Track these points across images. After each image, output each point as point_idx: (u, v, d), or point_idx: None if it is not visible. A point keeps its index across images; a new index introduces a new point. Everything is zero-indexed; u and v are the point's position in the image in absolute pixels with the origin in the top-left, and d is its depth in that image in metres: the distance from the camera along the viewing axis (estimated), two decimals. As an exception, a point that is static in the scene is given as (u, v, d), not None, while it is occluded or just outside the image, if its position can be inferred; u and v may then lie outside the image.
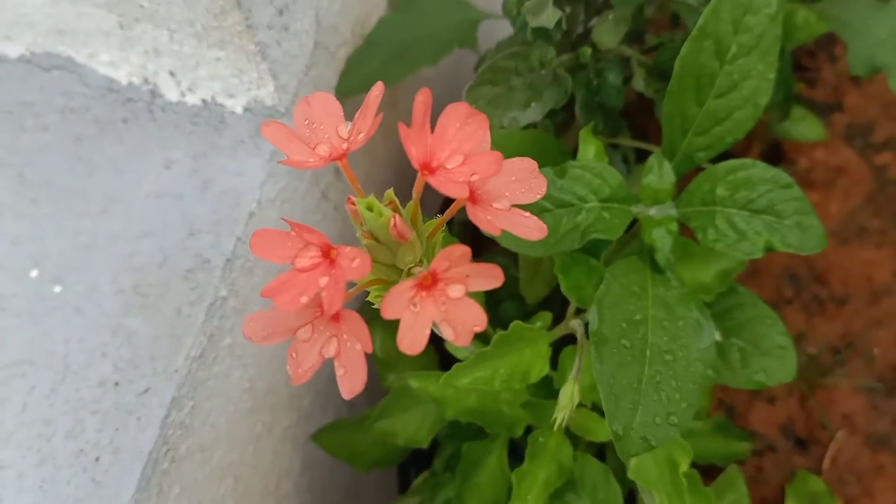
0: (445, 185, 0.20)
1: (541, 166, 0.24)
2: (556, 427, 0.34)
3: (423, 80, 0.53)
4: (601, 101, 0.38)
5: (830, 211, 0.60)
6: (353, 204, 0.21)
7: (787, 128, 0.56)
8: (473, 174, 0.20)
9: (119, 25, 0.38)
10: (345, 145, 0.21)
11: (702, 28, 0.33)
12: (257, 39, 0.36)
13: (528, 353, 0.36)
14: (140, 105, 0.40)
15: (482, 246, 0.49)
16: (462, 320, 0.20)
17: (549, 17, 0.33)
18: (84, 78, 0.41)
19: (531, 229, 0.20)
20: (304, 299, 0.19)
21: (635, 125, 0.49)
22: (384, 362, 0.49)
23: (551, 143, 0.37)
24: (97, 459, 0.33)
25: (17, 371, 0.35)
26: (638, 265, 0.34)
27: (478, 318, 0.19)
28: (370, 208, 0.20)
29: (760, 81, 0.35)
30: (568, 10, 0.34)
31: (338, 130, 0.21)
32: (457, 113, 0.20)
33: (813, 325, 0.57)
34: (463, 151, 0.20)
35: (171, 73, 0.40)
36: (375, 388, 0.51)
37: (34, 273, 0.37)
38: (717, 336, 0.39)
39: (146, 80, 0.40)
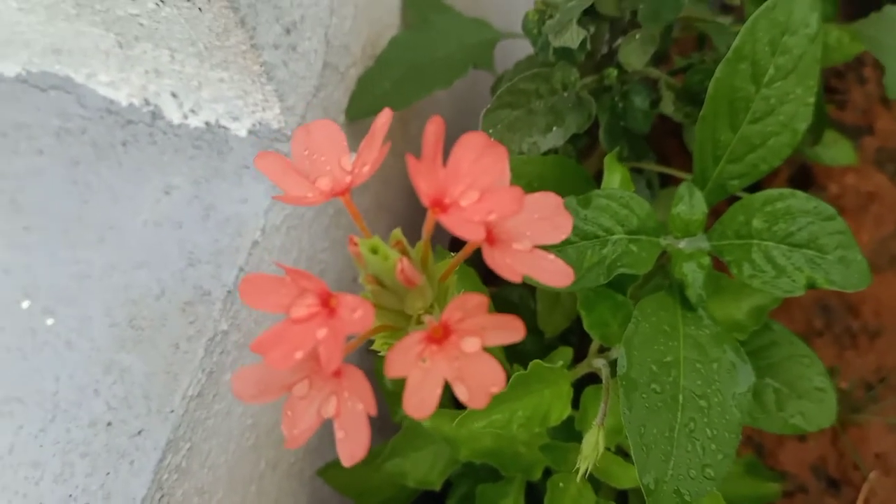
0: (459, 226, 0.17)
1: (563, 195, 0.22)
2: (579, 478, 0.31)
3: (436, 100, 0.51)
4: (626, 126, 0.35)
5: (862, 239, 0.58)
6: (356, 245, 0.18)
7: (818, 152, 0.54)
8: (491, 213, 0.18)
9: (118, 45, 0.36)
10: (348, 178, 0.19)
11: (737, 49, 0.31)
12: (262, 59, 0.34)
13: (548, 394, 0.33)
14: (140, 127, 0.38)
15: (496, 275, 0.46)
16: (478, 379, 0.17)
17: (574, 36, 0.30)
18: (82, 99, 0.39)
19: (556, 274, 0.18)
20: (298, 355, 0.17)
21: (657, 148, 0.47)
22: (395, 395, 0.47)
23: (574, 169, 0.35)
24: (85, 508, 0.31)
25: (5, 409, 0.33)
26: (668, 302, 0.32)
27: (496, 378, 0.17)
28: (375, 251, 0.18)
29: (799, 106, 0.32)
30: (592, 29, 0.32)
31: (340, 162, 0.19)
32: (473, 143, 0.18)
33: (845, 360, 0.54)
34: (479, 187, 0.18)
35: (173, 95, 0.38)
36: (387, 423, 0.49)
37: (25, 304, 0.35)
38: (776, 384, 0.36)
39: (147, 102, 0.38)
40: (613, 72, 0.34)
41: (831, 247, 0.31)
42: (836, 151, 0.54)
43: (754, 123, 0.33)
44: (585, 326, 0.33)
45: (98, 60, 0.38)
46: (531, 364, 0.33)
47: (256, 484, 0.43)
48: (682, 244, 0.32)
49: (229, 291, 0.35)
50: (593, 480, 0.38)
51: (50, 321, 0.35)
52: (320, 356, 0.17)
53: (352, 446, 0.18)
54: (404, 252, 0.19)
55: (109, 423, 0.32)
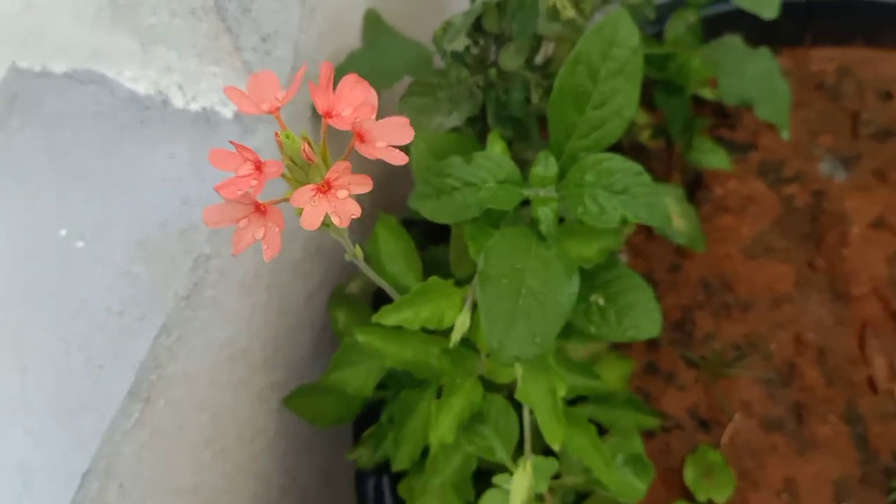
0: (339, 124, 0.30)
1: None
2: (452, 342, 0.43)
3: (382, 98, 0.64)
4: (509, 113, 0.48)
5: (742, 232, 0.70)
6: (279, 137, 0.31)
7: (698, 157, 0.66)
8: (358, 118, 0.30)
9: (141, 49, 0.49)
10: (278, 103, 0.32)
11: (576, 56, 0.44)
12: (244, 59, 0.47)
13: (444, 302, 0.46)
14: (154, 112, 0.52)
15: (432, 240, 0.59)
16: (344, 212, 0.30)
17: (460, 43, 0.43)
18: (112, 91, 0.53)
19: (396, 157, 0.30)
20: (239, 192, 0.29)
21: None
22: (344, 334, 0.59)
23: (470, 142, 0.48)
24: (101, 367, 0.43)
25: (47, 303, 0.46)
26: (526, 232, 0.44)
27: (355, 210, 0.30)
28: (288, 137, 0.31)
29: (626, 99, 0.45)
30: (481, 41, 0.45)
31: (276, 94, 0.32)
32: (350, 79, 0.31)
33: (721, 327, 0.66)
34: (352, 105, 0.31)
35: (180, 87, 0.51)
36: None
37: (63, 232, 0.48)
38: (601, 301, 0.48)
39: (160, 92, 0.51)
40: (493, 72, 0.46)
41: (640, 194, 0.43)
42: (713, 158, 0.67)
43: (595, 110, 0.45)
44: (471, 254, 0.46)
45: (125, 61, 0.51)
46: (430, 279, 0.46)
47: (232, 392, 0.55)
48: (539, 193, 0.45)
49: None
50: (484, 381, 0.50)
51: (80, 244, 0.47)
52: (252, 195, 0.29)
53: (270, 249, 0.30)
54: (308, 142, 0.31)
55: (121, 312, 0.45)
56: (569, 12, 0.43)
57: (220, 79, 0.49)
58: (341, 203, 0.30)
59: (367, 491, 0.57)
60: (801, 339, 0.65)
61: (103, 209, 0.48)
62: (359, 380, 0.53)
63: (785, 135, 0.55)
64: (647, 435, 0.62)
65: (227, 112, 0.51)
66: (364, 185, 0.30)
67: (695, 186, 0.71)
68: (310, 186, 0.30)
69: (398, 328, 0.48)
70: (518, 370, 0.45)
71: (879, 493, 0.60)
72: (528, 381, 0.45)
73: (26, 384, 0.43)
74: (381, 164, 0.32)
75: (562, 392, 0.44)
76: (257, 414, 0.59)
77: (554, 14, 0.44)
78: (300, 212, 0.31)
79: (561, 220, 0.47)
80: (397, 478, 0.55)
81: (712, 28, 0.65)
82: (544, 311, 0.41)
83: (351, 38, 0.58)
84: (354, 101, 0.31)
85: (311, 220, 0.29)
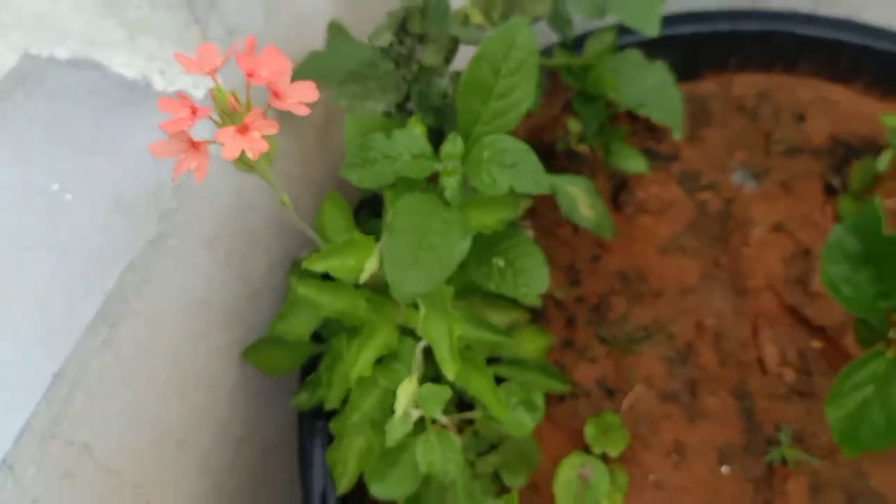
0: (258, 81, 0.39)
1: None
2: (361, 279, 0.52)
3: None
4: (430, 103, 0.57)
5: (658, 231, 0.79)
6: (213, 93, 0.40)
7: (619, 162, 0.76)
8: (272, 78, 0.40)
9: (130, 38, 0.59)
10: (215, 66, 0.41)
11: (480, 55, 0.53)
12: (213, 49, 0.57)
13: (365, 254, 0.55)
14: (139, 92, 0.61)
15: (378, 216, 0.68)
16: (256, 148, 0.39)
17: (385, 39, 0.53)
18: (106, 75, 0.62)
19: (301, 111, 0.40)
20: (176, 129, 0.39)
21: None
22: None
23: (394, 125, 0.57)
24: (76, 295, 0.52)
25: (35, 244, 0.55)
26: (434, 198, 0.53)
27: (263, 147, 0.39)
28: (220, 92, 0.40)
29: (523, 92, 0.54)
30: (407, 41, 0.55)
31: (215, 61, 0.42)
32: (270, 49, 0.40)
33: (632, 311, 0.75)
34: (270, 69, 0.40)
35: (161, 72, 0.61)
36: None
37: (55, 187, 0.57)
38: (501, 263, 0.57)
39: (144, 77, 0.61)
40: (416, 67, 0.56)
41: (527, 170, 0.52)
42: (633, 163, 0.76)
43: (497, 101, 0.54)
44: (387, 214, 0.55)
45: (117, 49, 0.61)
46: (354, 234, 0.55)
47: (193, 340, 0.64)
48: (447, 166, 0.54)
49: (179, 185, 0.57)
50: (401, 328, 0.59)
51: (69, 197, 0.57)
52: (187, 133, 0.39)
53: (199, 175, 0.39)
54: (235, 98, 0.41)
55: (98, 254, 0.54)
56: (477, 19, 0.53)
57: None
58: (255, 141, 0.39)
59: (305, 430, 0.66)
60: (701, 324, 0.73)
61: (90, 170, 0.58)
62: (299, 328, 0.62)
63: (677, 135, 0.64)
64: (559, 399, 0.70)
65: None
66: (272, 128, 0.39)
67: (620, 189, 0.80)
68: (232, 127, 0.39)
69: (333, 283, 0.57)
70: (422, 313, 0.54)
71: (759, 458, 0.67)
72: (430, 322, 0.53)
73: (11, 305, 0.52)
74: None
75: (457, 332, 0.53)
76: (216, 364, 0.68)
77: (465, 20, 0.53)
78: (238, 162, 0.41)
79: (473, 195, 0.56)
80: (329, 417, 0.63)
81: (649, 52, 0.74)
82: (439, 262, 0.50)
83: (314, 40, 0.68)
84: (272, 66, 0.40)
85: (230, 152, 0.39)
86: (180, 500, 0.69)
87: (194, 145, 0.40)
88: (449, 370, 0.53)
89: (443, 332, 0.53)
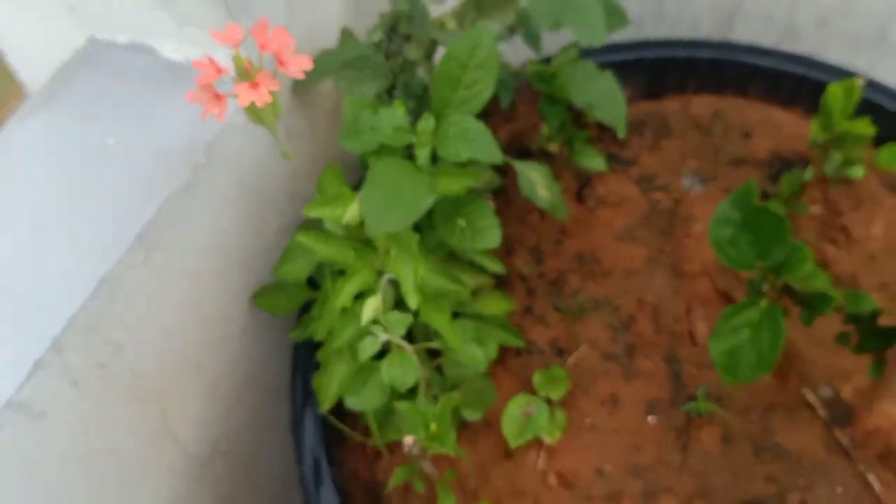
0: (268, 51, 0.53)
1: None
2: (344, 220, 0.65)
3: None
4: (412, 91, 0.71)
5: (614, 223, 0.91)
6: (233, 58, 0.54)
7: (581, 160, 0.89)
8: (280, 49, 0.54)
9: (178, 28, 0.74)
10: (239, 40, 0.55)
11: (449, 53, 0.67)
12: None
13: (349, 205, 0.68)
14: (182, 73, 0.76)
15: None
16: (263, 100, 0.53)
17: (376, 36, 0.67)
18: (156, 58, 0.77)
19: (300, 75, 0.54)
20: (206, 83, 0.53)
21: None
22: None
23: (382, 105, 0.71)
24: (121, 221, 0.66)
25: (92, 186, 0.69)
26: (408, 163, 0.67)
27: (268, 99, 0.53)
28: (238, 58, 0.54)
29: (485, 84, 0.68)
30: (396, 39, 0.69)
31: (239, 37, 0.56)
32: (279, 29, 0.55)
33: (585, 286, 0.87)
34: (278, 43, 0.54)
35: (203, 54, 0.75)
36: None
37: (110, 141, 0.72)
38: (464, 223, 0.70)
39: (188, 60, 0.76)
40: (401, 60, 0.70)
41: (483, 145, 0.65)
42: (593, 161, 0.89)
43: (464, 90, 0.68)
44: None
45: (167, 37, 0.76)
46: (342, 190, 0.68)
47: (211, 277, 0.77)
48: (421, 139, 0.67)
49: (210, 143, 0.71)
50: (379, 273, 0.72)
51: (121, 149, 0.71)
52: (213, 87, 0.53)
53: (220, 118, 0.53)
54: (249, 62, 0.55)
55: (141, 194, 0.68)
56: (452, 25, 0.67)
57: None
58: (262, 94, 0.53)
59: (299, 358, 0.79)
60: (643, 300, 0.86)
61: (138, 131, 0.72)
62: (297, 271, 0.75)
63: (621, 134, 0.77)
64: (516, 353, 0.83)
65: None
66: (276, 85, 0.53)
67: (584, 185, 0.94)
68: (246, 83, 0.53)
69: (326, 234, 0.71)
70: (392, 254, 0.67)
71: (681, 411, 0.79)
72: (398, 262, 0.66)
73: (71, 227, 0.66)
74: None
75: (420, 271, 0.66)
76: (231, 303, 0.82)
77: (443, 25, 0.67)
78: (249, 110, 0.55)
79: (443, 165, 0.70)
80: (318, 348, 0.77)
81: (622, 72, 0.88)
82: (407, 210, 0.63)
83: (327, 41, 0.83)
84: (280, 41, 0.54)
85: (243, 101, 0.53)
86: (191, 419, 0.82)
87: (217, 97, 0.54)
88: (412, 301, 0.66)
89: (408, 269, 0.66)
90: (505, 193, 0.92)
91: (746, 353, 0.62)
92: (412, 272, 0.66)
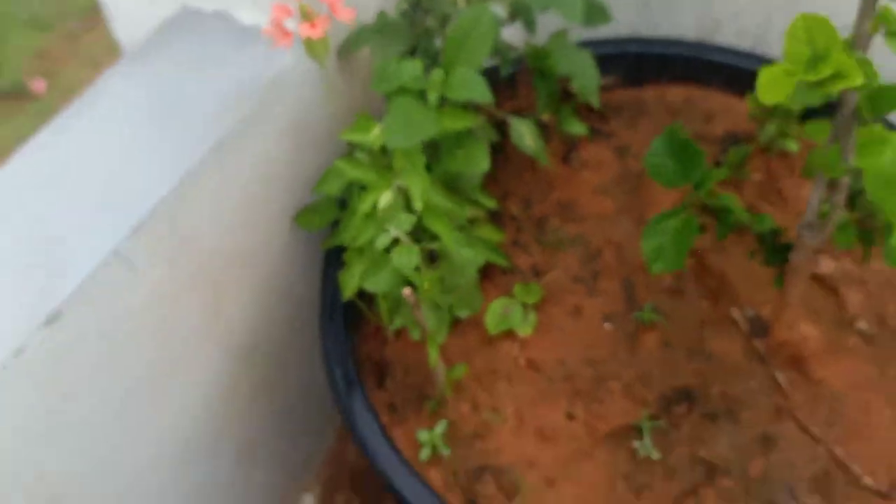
0: (324, 1, 0.75)
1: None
2: (370, 144, 0.86)
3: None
4: (431, 51, 0.92)
5: (593, 181, 1.12)
6: (299, 5, 0.76)
7: (566, 126, 1.10)
8: (333, 3, 0.76)
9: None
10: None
11: (458, 23, 0.89)
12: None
13: (376, 129, 0.89)
14: (254, 34, 0.98)
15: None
16: (318, 35, 0.75)
17: (401, 7, 0.89)
18: (235, 23, 1.00)
19: (347, 15, 0.76)
20: (279, 21, 0.75)
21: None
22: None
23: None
24: (197, 137, 0.88)
25: (175, 113, 0.91)
26: (421, 101, 0.88)
27: (322, 34, 0.75)
28: (302, 6, 0.76)
29: (484, 47, 0.89)
30: (419, 11, 0.90)
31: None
32: (332, -11, 0.77)
33: (564, 227, 1.07)
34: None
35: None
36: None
37: (190, 88, 0.94)
38: (461, 153, 0.91)
39: (258, 25, 0.98)
40: (421, 28, 0.91)
41: (477, 89, 0.86)
42: (577, 127, 1.10)
43: (468, 53, 0.89)
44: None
45: (244, 6, 0.98)
46: (368, 117, 0.90)
47: (270, 199, 0.99)
48: (432, 86, 0.89)
49: (271, 79, 0.93)
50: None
51: (196, 91, 0.93)
52: (283, 25, 0.75)
53: (287, 44, 0.75)
54: (310, 9, 0.76)
55: (217, 115, 0.90)
56: (461, 3, 0.89)
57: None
58: (317, 32, 0.75)
59: (331, 258, 1.00)
60: (609, 239, 1.06)
61: (212, 81, 0.94)
62: (332, 187, 0.97)
63: (595, 103, 0.98)
64: (502, 273, 1.03)
65: (290, 26, 0.97)
66: (326, 23, 0.75)
67: (570, 150, 1.14)
68: (307, 23, 0.75)
69: (357, 160, 0.92)
70: (405, 170, 0.88)
71: (631, 318, 0.99)
72: (408, 174, 0.87)
73: (157, 141, 0.88)
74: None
75: (425, 183, 0.87)
76: (275, 220, 1.03)
77: (454, 3, 0.89)
78: (307, 42, 0.77)
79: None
80: (344, 251, 0.98)
81: (606, 63, 1.09)
82: (416, 132, 0.84)
83: (366, 20, 1.05)
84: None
85: (304, 33, 0.75)
86: (236, 316, 1.03)
87: (286, 33, 0.76)
88: (418, 203, 0.86)
89: (416, 180, 0.87)
90: (504, 152, 1.12)
91: (667, 251, 0.82)
92: (419, 182, 0.87)
